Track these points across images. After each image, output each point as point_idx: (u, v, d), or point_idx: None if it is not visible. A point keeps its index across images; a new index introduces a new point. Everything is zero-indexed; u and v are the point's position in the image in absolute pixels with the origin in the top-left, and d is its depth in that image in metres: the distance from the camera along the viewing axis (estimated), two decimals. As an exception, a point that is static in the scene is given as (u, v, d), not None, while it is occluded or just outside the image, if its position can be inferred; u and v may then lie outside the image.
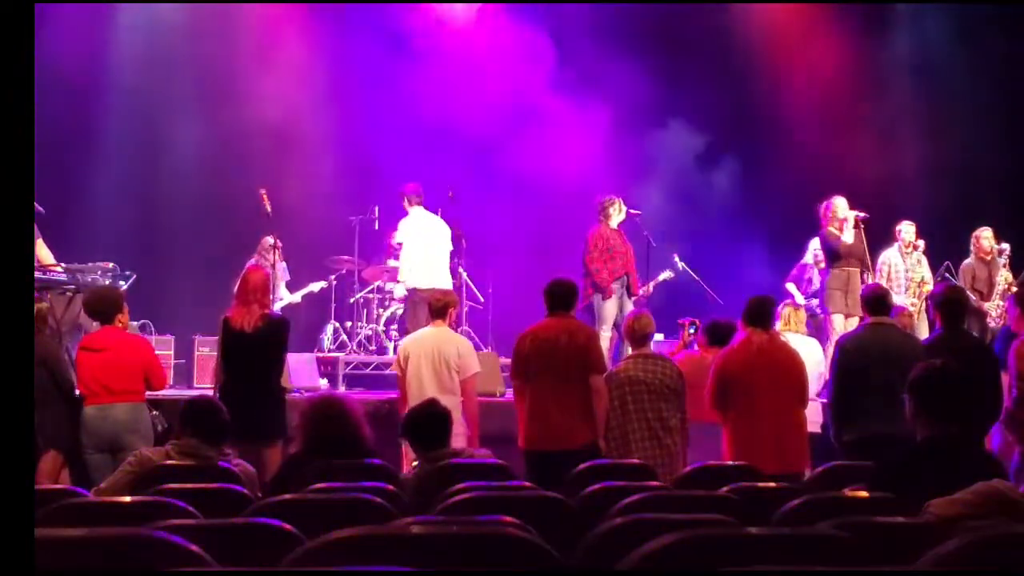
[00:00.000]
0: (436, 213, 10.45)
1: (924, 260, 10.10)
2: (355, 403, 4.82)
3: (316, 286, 10.39)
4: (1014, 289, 9.49)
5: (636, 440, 6.47)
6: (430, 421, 4.95)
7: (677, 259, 10.43)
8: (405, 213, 9.86)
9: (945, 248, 10.33)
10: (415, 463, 5.07)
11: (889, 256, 10.08)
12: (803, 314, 8.65)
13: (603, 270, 9.33)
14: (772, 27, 12.48)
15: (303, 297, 10.41)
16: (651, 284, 10.15)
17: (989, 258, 9.98)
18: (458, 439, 6.24)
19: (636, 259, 9.60)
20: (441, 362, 7.03)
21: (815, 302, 9.96)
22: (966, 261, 10.08)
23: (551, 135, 11.82)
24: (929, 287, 9.60)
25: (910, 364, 4.34)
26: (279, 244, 9.64)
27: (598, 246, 9.35)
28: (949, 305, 6.43)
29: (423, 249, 9.66)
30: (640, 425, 6.48)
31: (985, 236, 10.00)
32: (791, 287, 10.44)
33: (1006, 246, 9.97)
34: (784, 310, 8.26)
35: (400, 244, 9.77)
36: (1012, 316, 6.56)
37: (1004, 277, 9.88)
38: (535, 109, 11.88)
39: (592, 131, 11.79)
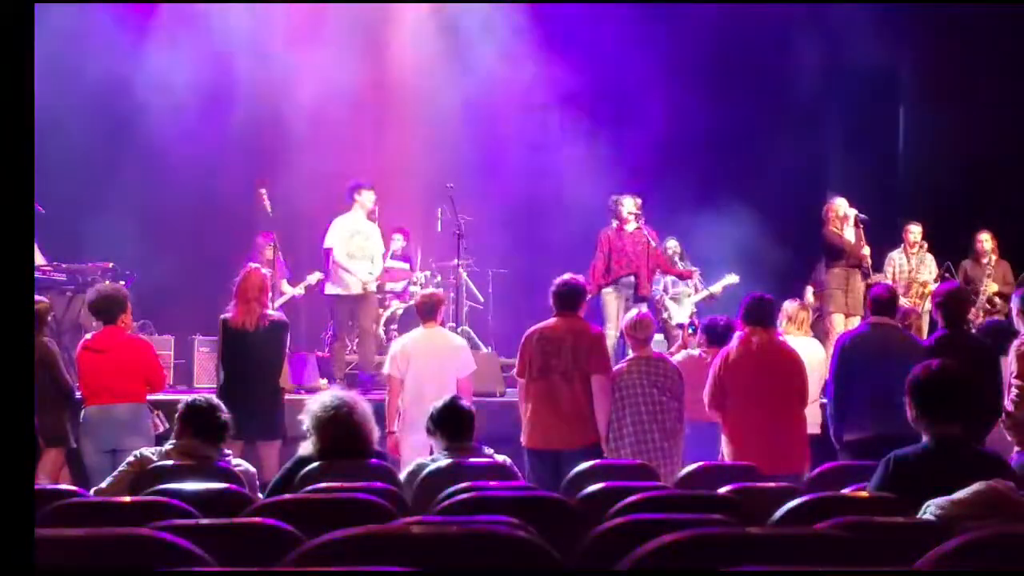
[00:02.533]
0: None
1: (930, 261, 10.10)
2: (365, 403, 4.82)
3: (313, 278, 10.38)
4: (997, 299, 9.52)
5: (634, 442, 6.46)
6: (454, 415, 5.12)
7: (675, 253, 10.45)
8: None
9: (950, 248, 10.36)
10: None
11: (894, 257, 10.12)
12: (809, 315, 8.57)
13: (595, 270, 9.29)
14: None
15: (306, 289, 10.40)
16: (719, 285, 10.22)
17: (985, 260, 10.01)
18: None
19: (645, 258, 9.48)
20: (438, 362, 7.05)
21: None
22: (966, 260, 10.12)
23: (551, 132, 11.82)
24: (932, 288, 9.60)
25: (910, 364, 4.34)
26: (277, 242, 9.63)
27: (601, 247, 9.36)
28: (950, 305, 6.43)
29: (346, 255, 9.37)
30: (638, 427, 6.48)
31: (981, 239, 10.02)
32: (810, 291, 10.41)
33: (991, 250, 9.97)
34: (800, 313, 8.04)
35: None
36: (1015, 312, 6.54)
37: (990, 287, 9.86)
38: (533, 106, 11.88)
39: (592, 127, 11.79)
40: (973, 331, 7.32)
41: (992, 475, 3.53)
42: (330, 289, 9.45)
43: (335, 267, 9.37)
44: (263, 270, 7.63)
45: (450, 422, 5.09)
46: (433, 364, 7.05)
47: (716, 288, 10.37)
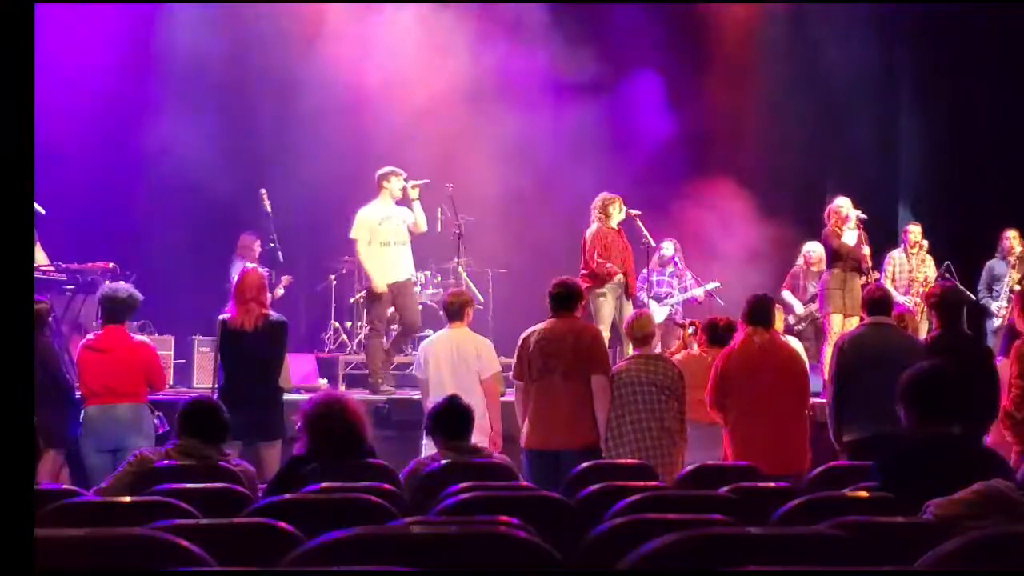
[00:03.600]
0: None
1: (930, 260, 10.18)
2: (356, 402, 4.83)
3: (285, 280, 10.33)
4: (1016, 288, 9.58)
5: (634, 441, 6.46)
6: (452, 413, 5.09)
7: (673, 252, 10.46)
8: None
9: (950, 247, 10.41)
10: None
11: (895, 256, 10.18)
12: (779, 316, 8.58)
13: (589, 267, 9.26)
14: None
15: (284, 289, 10.36)
16: (701, 290, 10.23)
17: (1012, 258, 10.10)
18: (480, 439, 6.25)
19: (635, 259, 9.51)
20: (461, 363, 7.09)
21: (813, 307, 10.03)
22: (991, 259, 10.26)
23: (552, 132, 11.82)
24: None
25: (909, 364, 4.35)
26: (277, 243, 9.61)
27: (595, 245, 9.31)
28: (945, 305, 6.45)
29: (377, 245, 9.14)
30: (638, 426, 6.47)
31: (1008, 236, 10.12)
32: (787, 295, 10.44)
33: (1018, 248, 10.09)
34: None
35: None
36: (1015, 314, 6.56)
37: (1012, 277, 9.96)
38: (534, 105, 11.88)
39: (593, 126, 11.79)
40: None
41: (988, 474, 3.54)
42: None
43: (363, 261, 9.14)
44: (260, 269, 7.61)
45: (449, 421, 5.08)
46: (451, 365, 7.10)
47: (699, 292, 10.36)
